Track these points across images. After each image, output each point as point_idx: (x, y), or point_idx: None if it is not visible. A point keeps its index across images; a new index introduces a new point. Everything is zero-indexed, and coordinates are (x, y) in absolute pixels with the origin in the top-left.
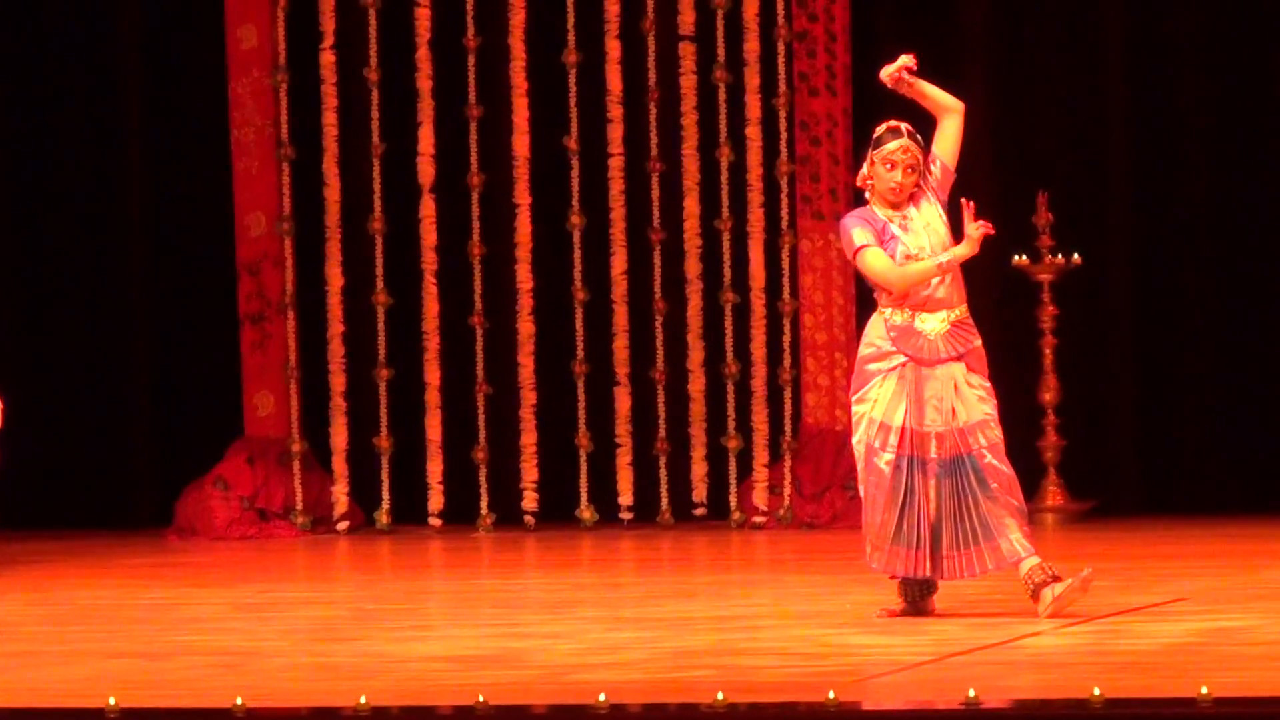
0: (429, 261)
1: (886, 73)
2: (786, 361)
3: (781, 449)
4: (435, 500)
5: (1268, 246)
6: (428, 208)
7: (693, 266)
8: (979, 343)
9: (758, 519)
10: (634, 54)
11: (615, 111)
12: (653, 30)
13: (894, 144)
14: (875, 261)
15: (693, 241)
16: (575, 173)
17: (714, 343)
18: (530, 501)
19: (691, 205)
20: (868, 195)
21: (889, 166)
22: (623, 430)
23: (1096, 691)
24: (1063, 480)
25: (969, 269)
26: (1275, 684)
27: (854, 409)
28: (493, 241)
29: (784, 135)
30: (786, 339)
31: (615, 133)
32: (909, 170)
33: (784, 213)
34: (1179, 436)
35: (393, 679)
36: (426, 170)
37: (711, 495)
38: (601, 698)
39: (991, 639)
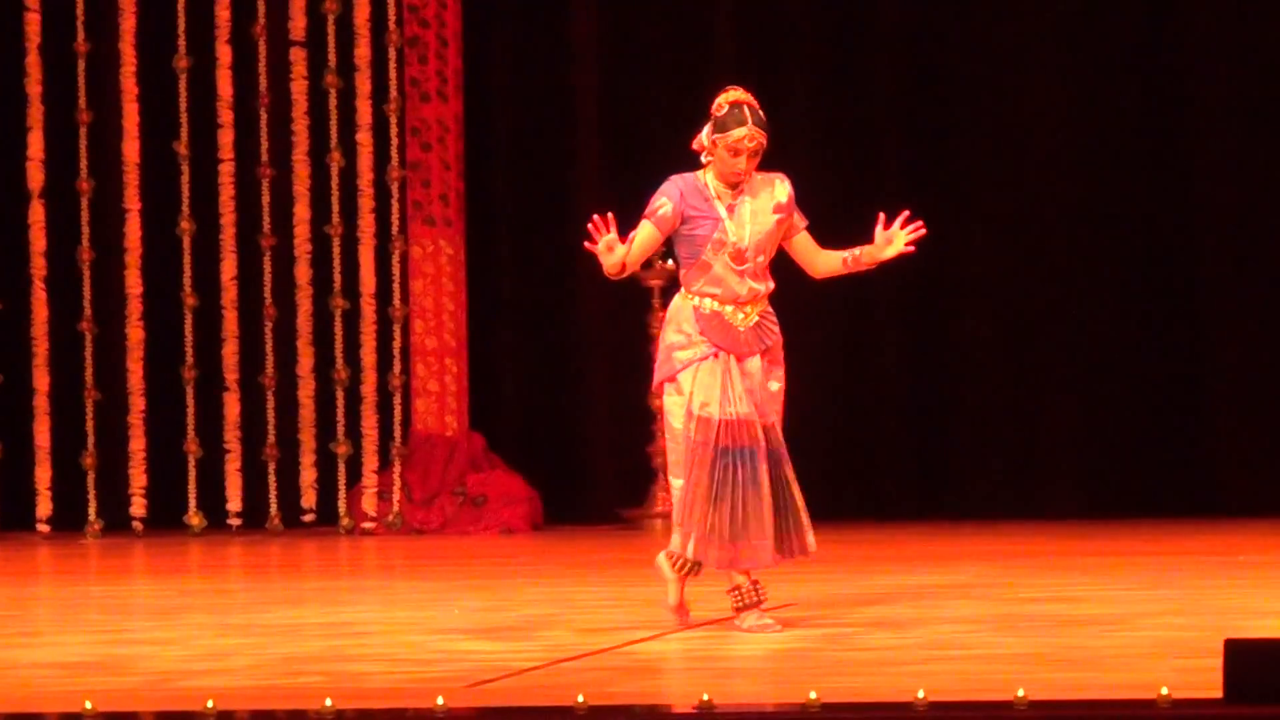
0: (38, 267)
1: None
2: (397, 367)
3: (391, 455)
4: (43, 506)
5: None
6: (36, 213)
7: (303, 272)
8: (779, 333)
9: (367, 525)
10: (245, 59)
11: (226, 116)
12: (264, 35)
13: (740, 132)
14: (635, 234)
15: (303, 247)
16: (185, 178)
17: (324, 348)
18: (139, 507)
19: (302, 211)
20: (703, 160)
21: (733, 154)
22: (232, 436)
23: (706, 697)
24: None
25: (567, 272)
26: (883, 689)
27: (666, 399)
28: (102, 247)
29: (395, 141)
30: (397, 344)
31: (226, 138)
32: (752, 157)
33: (395, 218)
34: (793, 442)
35: None
36: (35, 175)
37: (321, 501)
38: (210, 704)
39: (602, 645)
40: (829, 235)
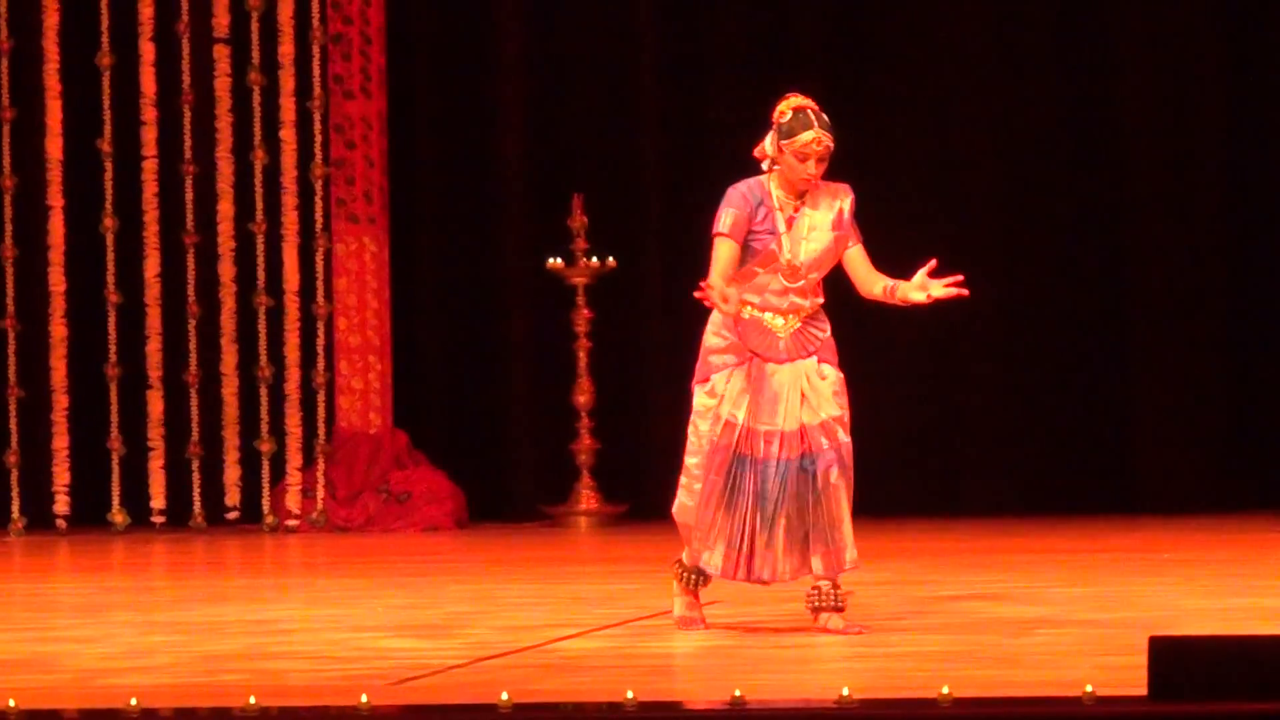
0: None
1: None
2: (320, 365)
3: (315, 452)
4: None
5: None
6: None
7: (226, 269)
8: (828, 332)
9: (291, 522)
10: (168, 56)
11: (149, 114)
12: (187, 32)
13: (807, 136)
14: (716, 256)
15: (226, 244)
16: (109, 175)
17: (247, 346)
18: (62, 505)
19: (226, 208)
20: (765, 167)
21: (801, 159)
22: (155, 434)
23: (630, 695)
24: (596, 483)
25: (491, 270)
26: (807, 687)
27: (698, 400)
28: (25, 244)
29: (319, 138)
30: (320, 342)
31: (149, 135)
32: (820, 161)
33: (319, 216)
34: None
35: None
36: None
37: (245, 499)
38: (133, 702)
39: (526, 642)
40: None
